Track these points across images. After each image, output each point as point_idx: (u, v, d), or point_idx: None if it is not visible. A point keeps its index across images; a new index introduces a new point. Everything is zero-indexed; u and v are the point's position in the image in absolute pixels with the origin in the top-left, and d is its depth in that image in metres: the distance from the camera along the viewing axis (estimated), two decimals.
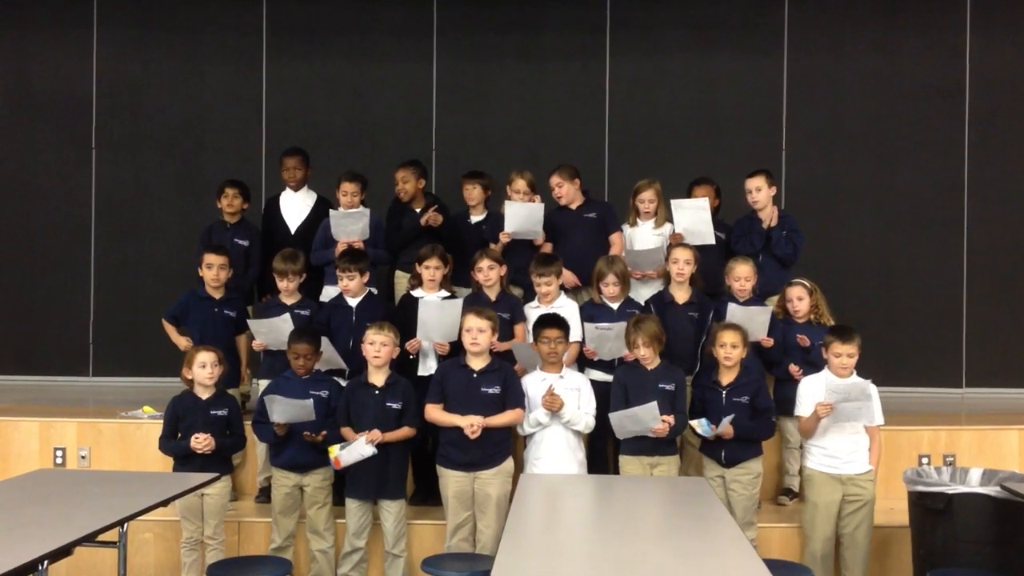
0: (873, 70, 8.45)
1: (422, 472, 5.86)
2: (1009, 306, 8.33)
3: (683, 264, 5.92)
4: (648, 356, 5.41)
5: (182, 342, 6.05)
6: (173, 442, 5.38)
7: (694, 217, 6.28)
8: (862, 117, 8.44)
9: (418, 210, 6.62)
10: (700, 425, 5.31)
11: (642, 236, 6.41)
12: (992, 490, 4.98)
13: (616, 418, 5.28)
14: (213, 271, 6.12)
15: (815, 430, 5.25)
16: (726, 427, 5.27)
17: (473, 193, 6.58)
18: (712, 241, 6.27)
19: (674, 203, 6.36)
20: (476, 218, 6.62)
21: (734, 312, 5.77)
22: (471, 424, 5.21)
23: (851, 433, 5.25)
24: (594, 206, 6.54)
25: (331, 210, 6.49)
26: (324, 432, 5.33)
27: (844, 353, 5.23)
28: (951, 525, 4.99)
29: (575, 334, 5.74)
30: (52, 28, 8.71)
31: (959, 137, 8.38)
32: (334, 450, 5.28)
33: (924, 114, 8.41)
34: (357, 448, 5.24)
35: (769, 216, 6.44)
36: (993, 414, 7.18)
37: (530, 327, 5.88)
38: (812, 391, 5.26)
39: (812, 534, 5.28)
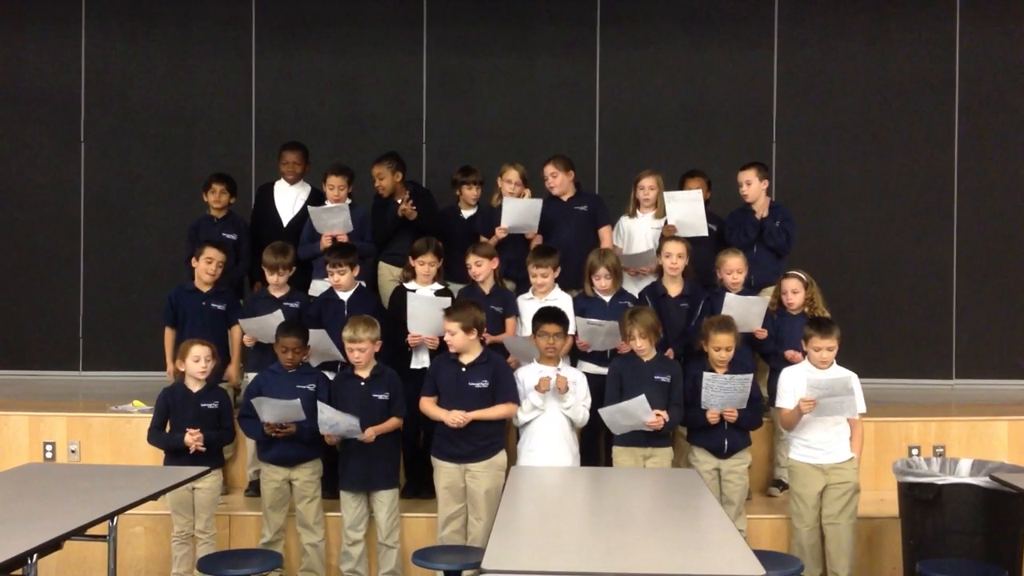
0: (863, 62, 8.45)
1: (414, 465, 5.86)
2: (999, 297, 8.35)
3: (676, 258, 5.92)
4: (644, 348, 5.41)
5: (170, 367, 5.99)
6: (164, 434, 5.36)
7: (687, 209, 6.28)
8: (852, 109, 8.44)
9: (399, 201, 6.61)
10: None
11: (641, 228, 6.42)
12: (982, 480, 5.00)
13: (607, 414, 5.28)
14: (213, 266, 6.11)
15: (797, 423, 5.26)
16: (730, 409, 5.31)
17: (475, 192, 6.60)
18: (705, 233, 6.27)
19: (667, 195, 6.37)
20: (468, 213, 6.64)
21: (731, 303, 5.77)
22: (454, 418, 5.22)
23: (832, 424, 5.25)
24: (585, 199, 6.54)
25: (310, 207, 6.48)
26: (289, 426, 5.30)
27: (824, 347, 5.23)
28: (941, 516, 5.01)
29: (569, 327, 5.74)
30: (40, 21, 8.65)
31: (949, 129, 8.39)
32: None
33: (914, 106, 8.42)
34: (348, 423, 5.19)
35: (761, 208, 6.44)
36: (983, 405, 7.19)
37: (524, 320, 5.90)
38: (793, 383, 5.28)
39: (798, 524, 5.30)
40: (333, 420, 5.20)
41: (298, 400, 5.27)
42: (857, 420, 5.30)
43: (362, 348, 5.35)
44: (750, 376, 5.37)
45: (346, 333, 5.38)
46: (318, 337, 5.68)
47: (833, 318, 5.71)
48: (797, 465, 5.32)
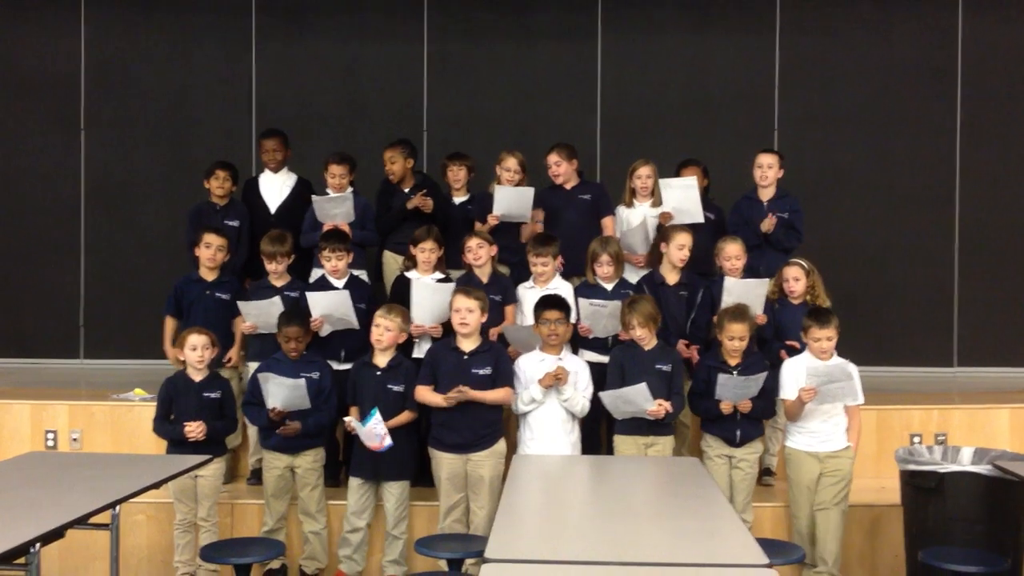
0: (865, 50, 8.42)
1: (415, 454, 5.85)
2: (1000, 285, 8.34)
3: (686, 251, 5.89)
4: (644, 336, 5.40)
5: (170, 353, 6.06)
6: (168, 425, 5.35)
7: (683, 196, 6.25)
8: (854, 97, 8.41)
9: (407, 190, 6.60)
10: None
11: (639, 217, 6.38)
12: (983, 468, 5.01)
13: (608, 398, 5.28)
14: (211, 251, 6.07)
15: (800, 413, 5.26)
16: (745, 400, 5.31)
17: (460, 175, 6.59)
18: (701, 219, 6.24)
19: (662, 182, 6.35)
20: (459, 199, 6.63)
21: (731, 288, 5.75)
22: (457, 392, 5.19)
23: (831, 415, 5.27)
24: (588, 188, 6.54)
25: (313, 196, 6.46)
26: (298, 425, 5.31)
27: (823, 337, 5.24)
28: (943, 504, 5.01)
29: (571, 314, 5.72)
30: (39, 9, 8.62)
31: (951, 117, 8.37)
32: (351, 422, 5.25)
33: (916, 94, 8.39)
34: (375, 431, 5.19)
35: (767, 197, 6.40)
36: (984, 393, 7.19)
37: (524, 308, 5.89)
38: (795, 374, 5.28)
39: (797, 512, 5.32)
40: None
41: (303, 381, 5.28)
42: (855, 410, 5.32)
43: (388, 327, 5.34)
44: (763, 375, 5.36)
45: (379, 312, 5.40)
46: (340, 299, 5.67)
47: (832, 308, 5.73)
48: (793, 453, 5.33)
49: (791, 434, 5.36)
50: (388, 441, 5.18)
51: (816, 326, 5.25)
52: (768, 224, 6.34)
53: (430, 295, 5.72)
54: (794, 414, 5.31)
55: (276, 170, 6.88)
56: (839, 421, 5.29)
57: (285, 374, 5.35)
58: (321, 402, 5.41)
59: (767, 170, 6.43)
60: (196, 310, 6.06)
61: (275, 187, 6.85)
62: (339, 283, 5.96)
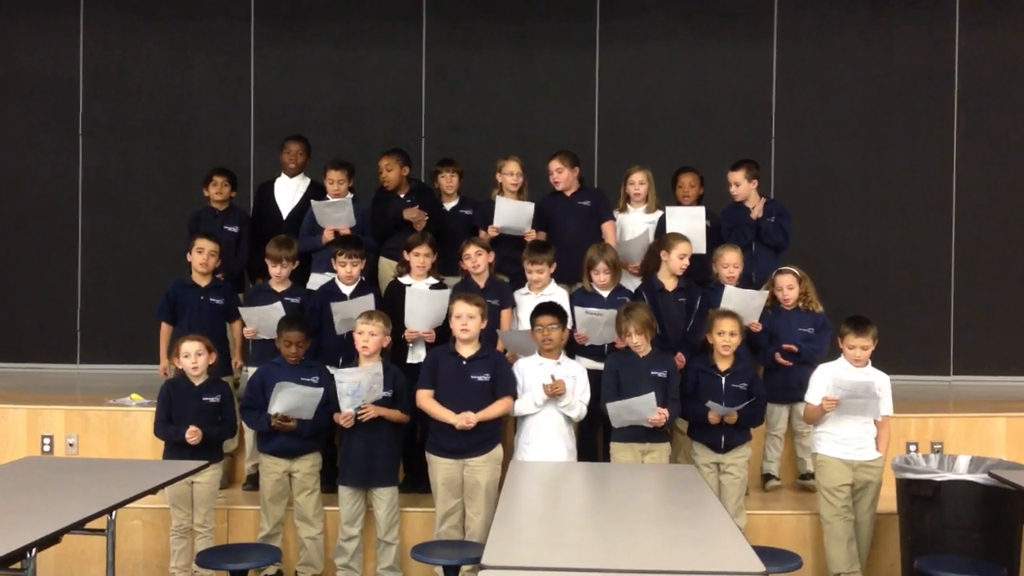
0: (862, 57, 8.46)
1: (411, 459, 5.85)
2: (997, 293, 8.36)
3: (687, 260, 5.90)
4: (640, 343, 5.40)
5: (163, 363, 6.05)
6: (170, 427, 5.33)
7: (688, 225, 6.18)
8: (851, 105, 8.44)
9: (402, 195, 6.61)
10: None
11: (633, 222, 6.41)
12: (980, 477, 5.00)
13: (613, 408, 5.28)
14: (203, 256, 6.08)
15: (820, 420, 5.28)
16: (732, 412, 5.32)
17: (453, 181, 6.61)
18: (703, 251, 6.19)
19: (669, 210, 6.37)
20: (450, 204, 6.65)
21: (730, 296, 5.76)
22: (465, 420, 5.20)
23: (862, 422, 5.26)
24: (588, 194, 6.55)
25: (312, 200, 6.46)
26: (293, 421, 5.31)
27: (858, 345, 5.23)
28: (939, 512, 5.01)
29: (565, 319, 5.72)
30: (39, 12, 8.64)
31: (948, 124, 8.40)
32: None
33: (913, 101, 8.41)
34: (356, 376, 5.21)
35: (755, 206, 6.43)
36: (981, 401, 7.19)
37: (519, 314, 5.90)
38: (823, 380, 5.27)
39: (832, 518, 5.27)
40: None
41: (321, 389, 5.28)
42: (885, 420, 5.33)
43: (372, 332, 5.33)
44: (751, 400, 5.38)
45: (360, 319, 5.40)
46: (366, 303, 5.69)
47: (828, 315, 5.80)
48: (827, 459, 5.31)
49: (821, 440, 5.34)
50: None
51: (852, 333, 5.23)
52: (757, 210, 6.38)
53: (424, 301, 5.73)
54: (812, 419, 5.33)
55: (293, 175, 6.88)
56: (869, 428, 5.29)
57: (285, 378, 5.34)
58: (319, 406, 5.39)
59: (735, 188, 6.48)
60: (191, 316, 6.06)
61: (289, 192, 6.86)
62: (347, 289, 5.96)
